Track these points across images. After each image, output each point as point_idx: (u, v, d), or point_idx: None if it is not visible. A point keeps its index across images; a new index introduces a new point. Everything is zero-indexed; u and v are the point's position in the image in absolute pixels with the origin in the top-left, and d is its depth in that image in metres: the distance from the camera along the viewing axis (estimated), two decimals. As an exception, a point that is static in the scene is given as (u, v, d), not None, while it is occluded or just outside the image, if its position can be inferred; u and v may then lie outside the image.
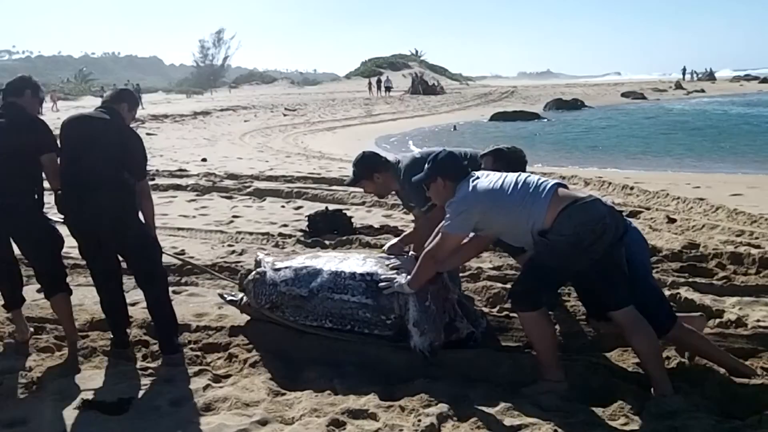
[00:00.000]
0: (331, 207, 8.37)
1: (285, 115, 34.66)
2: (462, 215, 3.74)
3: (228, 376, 4.05)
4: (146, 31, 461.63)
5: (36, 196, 4.51)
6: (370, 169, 4.77)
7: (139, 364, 4.23)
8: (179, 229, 8.11)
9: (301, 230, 7.80)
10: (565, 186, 3.77)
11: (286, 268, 4.55)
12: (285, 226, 8.19)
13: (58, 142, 4.41)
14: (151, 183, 11.37)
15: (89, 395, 3.75)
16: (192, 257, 6.51)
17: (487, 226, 3.82)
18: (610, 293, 3.64)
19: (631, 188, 10.24)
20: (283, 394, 3.73)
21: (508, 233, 3.89)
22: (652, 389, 3.61)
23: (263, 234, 7.59)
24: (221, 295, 5.08)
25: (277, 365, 4.12)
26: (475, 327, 4.37)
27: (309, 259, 4.66)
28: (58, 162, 4.40)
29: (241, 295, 4.82)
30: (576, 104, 40.17)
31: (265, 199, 10.10)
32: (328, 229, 7.58)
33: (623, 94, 49.51)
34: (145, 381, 3.97)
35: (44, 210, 4.54)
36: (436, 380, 3.80)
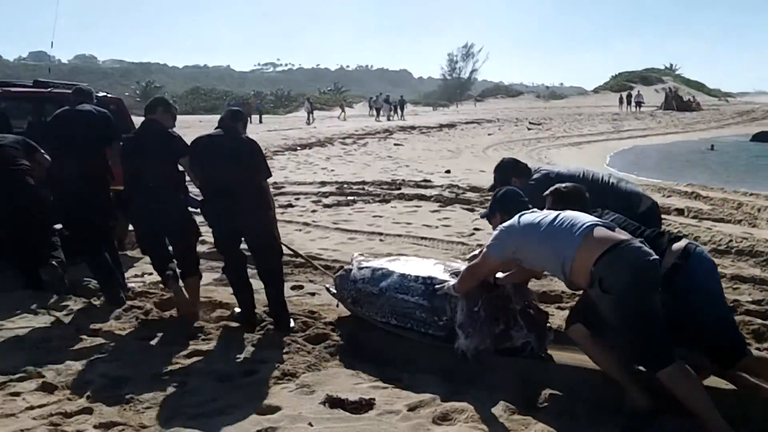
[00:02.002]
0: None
1: (529, 128, 34.53)
2: (499, 242, 4.03)
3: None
4: (397, 45, 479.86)
5: (181, 196, 5.58)
6: (508, 173, 5.19)
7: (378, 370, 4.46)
8: (422, 238, 8.42)
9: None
10: (607, 226, 3.73)
11: (367, 267, 5.12)
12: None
13: (195, 157, 5.35)
14: (396, 192, 12.06)
15: (333, 392, 4.01)
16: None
17: (523, 256, 4.01)
18: (656, 350, 3.50)
19: None
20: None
21: (545, 267, 4.08)
22: None
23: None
24: (327, 288, 5.69)
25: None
26: (540, 339, 4.46)
27: (389, 261, 5.20)
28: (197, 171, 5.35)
29: None
30: None
31: None
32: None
33: None
34: (383, 385, 4.17)
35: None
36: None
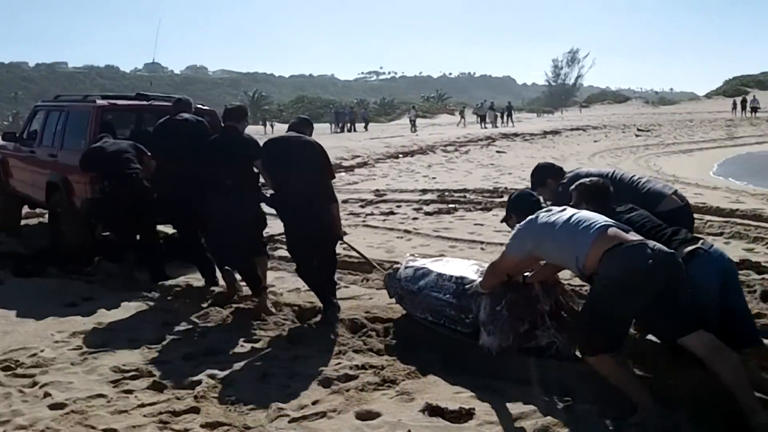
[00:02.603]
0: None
1: (637, 135, 33.63)
2: (517, 240, 4.27)
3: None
4: (501, 51, 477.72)
5: (254, 191, 6.23)
6: (543, 175, 5.45)
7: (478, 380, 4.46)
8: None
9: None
10: (619, 227, 3.94)
11: (411, 267, 5.48)
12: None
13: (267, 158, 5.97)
14: (498, 200, 11.96)
15: (433, 400, 4.03)
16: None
17: (541, 254, 4.28)
18: (668, 324, 3.79)
19: None
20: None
21: (561, 261, 4.22)
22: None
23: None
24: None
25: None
26: (570, 340, 4.53)
27: (432, 261, 5.54)
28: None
29: None
30: None
31: None
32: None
33: None
34: (484, 395, 4.13)
35: None
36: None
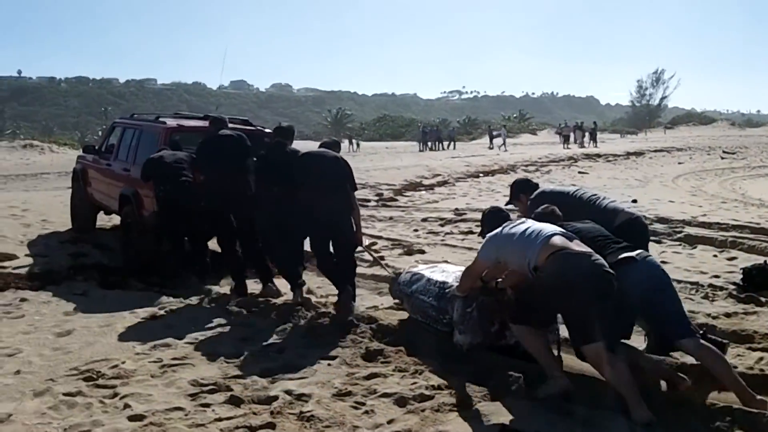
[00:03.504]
0: (772, 261, 7.52)
1: (723, 158, 32.61)
2: (485, 249, 4.97)
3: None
4: (584, 72, 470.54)
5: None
6: (518, 190, 6.04)
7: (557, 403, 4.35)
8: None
9: (734, 283, 7.23)
10: (564, 235, 4.58)
11: (409, 272, 6.18)
12: (716, 277, 7.70)
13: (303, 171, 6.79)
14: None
15: (509, 422, 3.98)
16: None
17: (504, 258, 4.87)
18: (579, 331, 4.37)
19: None
20: None
21: (518, 265, 4.74)
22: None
23: (692, 283, 7.26)
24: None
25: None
26: None
27: (428, 268, 6.14)
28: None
29: None
30: None
31: (696, 247, 9.57)
32: (766, 285, 6.92)
33: None
34: (561, 419, 4.07)
35: None
36: None
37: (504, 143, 45.82)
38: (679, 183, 21.05)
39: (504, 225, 4.94)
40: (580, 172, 24.61)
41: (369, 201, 15.88)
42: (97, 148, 11.37)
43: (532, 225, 4.76)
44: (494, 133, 49.94)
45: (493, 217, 5.34)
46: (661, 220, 11.74)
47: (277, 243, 7.06)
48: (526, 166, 26.29)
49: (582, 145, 44.31)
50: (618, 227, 5.25)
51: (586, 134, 47.36)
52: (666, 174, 24.04)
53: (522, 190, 5.99)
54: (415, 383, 4.69)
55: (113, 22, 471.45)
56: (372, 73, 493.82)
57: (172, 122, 9.43)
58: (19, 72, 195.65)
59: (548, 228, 4.67)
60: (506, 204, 6.20)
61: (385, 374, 4.88)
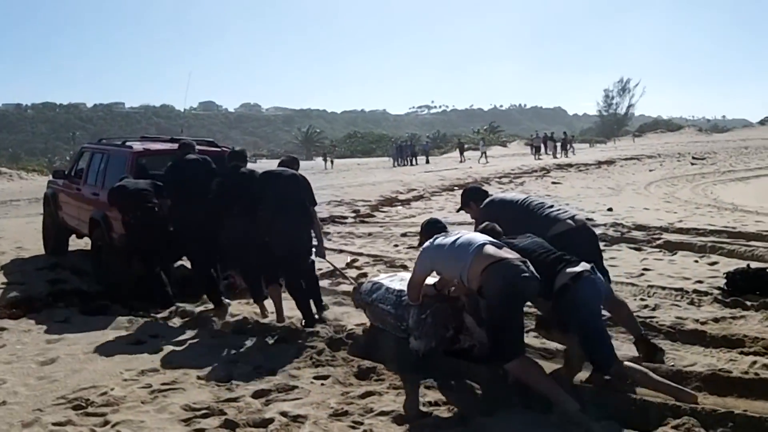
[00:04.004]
0: (753, 265, 7.58)
1: (692, 164, 33.13)
2: (420, 260, 5.24)
3: None
4: (551, 83, 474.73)
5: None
6: (468, 198, 6.30)
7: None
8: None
9: (718, 288, 7.24)
10: (496, 244, 4.78)
11: (370, 282, 6.38)
12: (700, 282, 7.71)
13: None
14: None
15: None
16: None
17: (438, 269, 5.16)
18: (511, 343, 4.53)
19: None
20: None
21: (452, 276, 5.07)
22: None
23: (676, 290, 7.25)
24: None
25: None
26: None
27: (387, 277, 6.35)
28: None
29: None
30: None
31: (676, 253, 9.58)
32: (750, 288, 6.93)
33: None
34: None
35: None
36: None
37: (484, 156, 46.11)
38: (651, 190, 21.29)
39: (436, 236, 5.16)
40: (553, 182, 24.84)
41: (346, 218, 15.83)
42: (66, 172, 11.62)
43: (463, 235, 4.96)
44: (481, 146, 50.16)
45: (430, 229, 5.53)
46: (639, 227, 11.84)
47: (242, 261, 7.41)
48: (500, 178, 26.46)
49: (554, 156, 44.66)
50: (552, 236, 5.39)
51: (557, 144, 47.75)
52: (638, 182, 24.33)
53: (472, 198, 6.24)
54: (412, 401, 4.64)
55: (79, 47, 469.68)
56: (341, 90, 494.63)
57: (138, 146, 9.70)
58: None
59: (479, 238, 4.87)
60: (457, 211, 6.67)
61: (380, 392, 4.82)
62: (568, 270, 4.63)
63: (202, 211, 7.43)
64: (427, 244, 5.19)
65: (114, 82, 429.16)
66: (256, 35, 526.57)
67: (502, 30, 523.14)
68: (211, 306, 7.65)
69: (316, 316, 6.85)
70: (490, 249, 4.68)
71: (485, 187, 8.12)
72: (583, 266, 4.68)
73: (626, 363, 4.61)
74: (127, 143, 9.98)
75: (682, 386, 4.46)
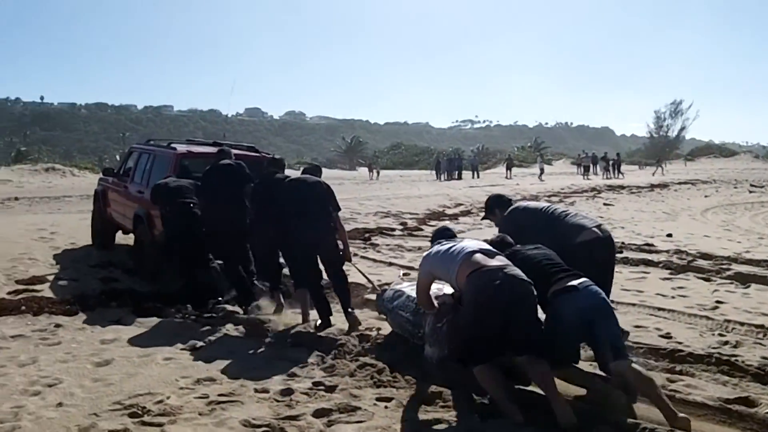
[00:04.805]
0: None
1: (751, 191, 32.22)
2: (422, 266, 5.38)
3: None
4: (598, 102, 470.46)
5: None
6: (493, 205, 6.47)
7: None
8: (659, 309, 7.66)
9: (801, 325, 6.80)
10: (486, 252, 4.87)
11: (392, 289, 6.56)
12: (782, 320, 7.21)
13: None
14: (620, 255, 11.35)
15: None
16: (680, 342, 6.26)
17: (436, 275, 5.24)
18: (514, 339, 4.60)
19: None
20: None
21: (447, 281, 5.21)
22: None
23: (757, 326, 6.75)
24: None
25: None
26: None
27: (408, 286, 6.38)
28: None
29: None
30: None
31: (749, 285, 8.99)
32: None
33: None
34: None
35: None
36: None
37: (542, 172, 45.73)
38: (708, 216, 20.64)
39: (438, 242, 5.36)
40: (605, 204, 24.25)
41: (394, 230, 15.66)
42: (116, 171, 12.22)
43: (458, 243, 5.13)
44: (539, 162, 50.01)
45: (437, 235, 5.78)
46: (704, 256, 11.34)
47: (270, 263, 7.72)
48: (549, 196, 25.97)
49: (606, 177, 43.94)
50: (577, 244, 5.61)
51: (611, 164, 46.92)
52: (694, 207, 23.60)
53: (497, 205, 6.41)
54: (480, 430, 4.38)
55: (132, 49, 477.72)
56: (384, 102, 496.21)
57: (182, 148, 10.15)
58: (42, 98, 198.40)
59: (471, 245, 5.00)
60: (482, 219, 6.97)
61: (447, 420, 4.54)
62: (565, 281, 4.77)
63: (230, 215, 7.84)
64: (428, 251, 5.38)
65: (164, 86, 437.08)
66: (303, 44, 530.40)
67: (550, 47, 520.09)
68: (265, 312, 7.56)
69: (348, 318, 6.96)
70: (477, 257, 4.80)
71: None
72: (582, 281, 4.78)
73: (635, 367, 4.62)
74: (172, 145, 10.40)
75: None
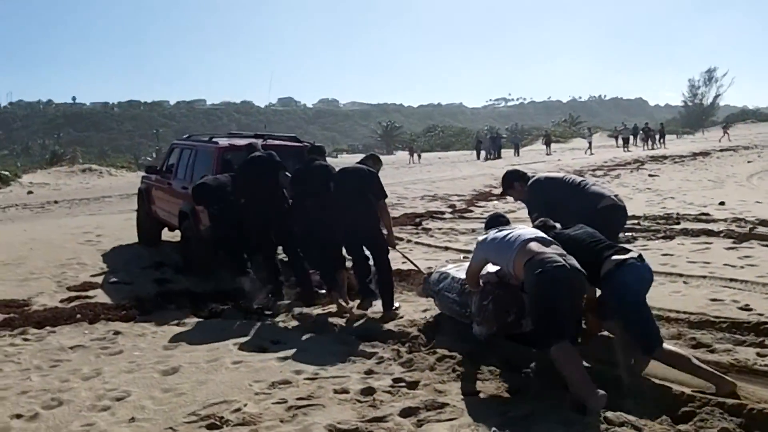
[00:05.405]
0: None
1: (794, 154, 31.42)
2: (476, 252, 5.40)
3: None
4: (631, 73, 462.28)
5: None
6: (510, 180, 6.67)
7: None
8: (731, 280, 7.38)
9: None
10: (542, 241, 4.87)
11: (438, 272, 6.59)
12: None
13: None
14: (677, 227, 11.00)
15: None
16: (761, 314, 6.00)
17: (491, 260, 5.29)
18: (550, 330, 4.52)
19: None
20: None
21: (502, 266, 5.18)
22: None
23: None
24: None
25: None
26: None
27: (453, 267, 6.51)
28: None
29: None
30: None
31: None
32: None
33: None
34: None
35: None
36: None
37: (590, 146, 45.26)
38: (754, 182, 20.13)
39: (493, 229, 5.41)
40: (650, 175, 23.73)
41: (444, 213, 15.49)
42: (158, 168, 12.18)
43: (514, 230, 5.16)
44: (587, 135, 49.59)
45: (491, 221, 5.85)
46: (763, 222, 10.99)
47: (314, 251, 7.70)
48: (593, 170, 25.60)
49: (650, 147, 43.15)
50: (600, 209, 5.95)
51: (656, 135, 46.05)
52: (738, 173, 23.02)
53: (516, 179, 6.63)
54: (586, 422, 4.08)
55: (162, 45, 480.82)
56: (417, 84, 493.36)
57: (224, 142, 10.12)
58: (74, 98, 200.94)
59: (527, 232, 5.05)
60: (499, 196, 7.31)
61: (545, 413, 4.27)
62: (615, 257, 4.77)
63: (268, 205, 8.01)
64: (482, 237, 5.42)
65: (196, 80, 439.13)
66: (333, 31, 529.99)
67: (581, 22, 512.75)
68: (329, 308, 7.43)
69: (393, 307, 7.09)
70: (533, 245, 4.82)
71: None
72: (631, 254, 4.81)
73: (667, 347, 4.72)
74: (214, 139, 10.42)
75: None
